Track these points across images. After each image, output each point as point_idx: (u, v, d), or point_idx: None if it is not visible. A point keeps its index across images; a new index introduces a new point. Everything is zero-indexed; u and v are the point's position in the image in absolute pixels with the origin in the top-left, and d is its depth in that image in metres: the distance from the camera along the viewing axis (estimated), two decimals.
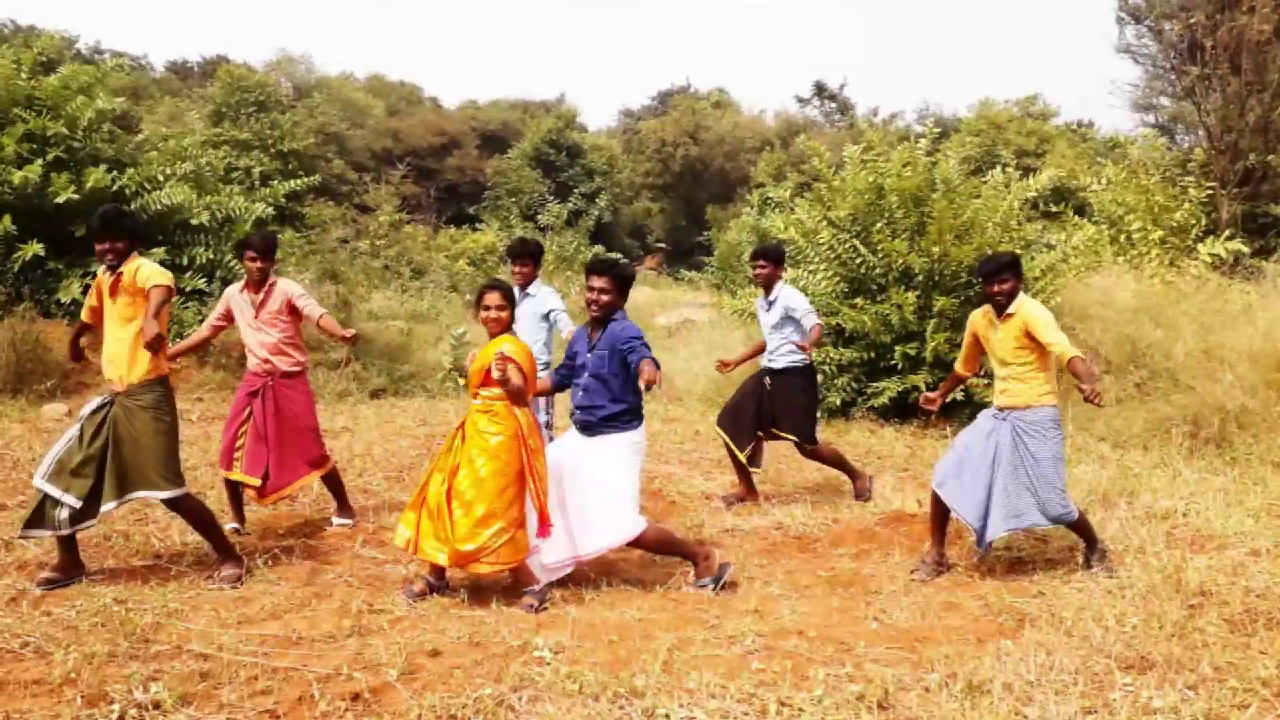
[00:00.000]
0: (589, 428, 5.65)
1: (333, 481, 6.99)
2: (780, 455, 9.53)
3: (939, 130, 12.51)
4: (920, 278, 11.05)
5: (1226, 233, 15.69)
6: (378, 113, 43.76)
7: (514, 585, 5.45)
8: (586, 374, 5.64)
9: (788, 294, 7.74)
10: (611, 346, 5.55)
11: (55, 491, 5.29)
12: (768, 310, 7.78)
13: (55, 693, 4.02)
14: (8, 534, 6.19)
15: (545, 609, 5.24)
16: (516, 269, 7.80)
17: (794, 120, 50.25)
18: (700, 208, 42.06)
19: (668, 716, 3.85)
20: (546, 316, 7.61)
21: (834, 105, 52.67)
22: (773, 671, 4.35)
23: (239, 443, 6.61)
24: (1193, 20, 19.24)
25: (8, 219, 11.62)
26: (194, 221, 12.38)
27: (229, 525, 6.54)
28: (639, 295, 23.31)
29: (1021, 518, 5.76)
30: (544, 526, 5.41)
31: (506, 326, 5.51)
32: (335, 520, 7.00)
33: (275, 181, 16.03)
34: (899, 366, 10.89)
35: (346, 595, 5.41)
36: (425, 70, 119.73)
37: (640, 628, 4.94)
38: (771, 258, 7.79)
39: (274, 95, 28.16)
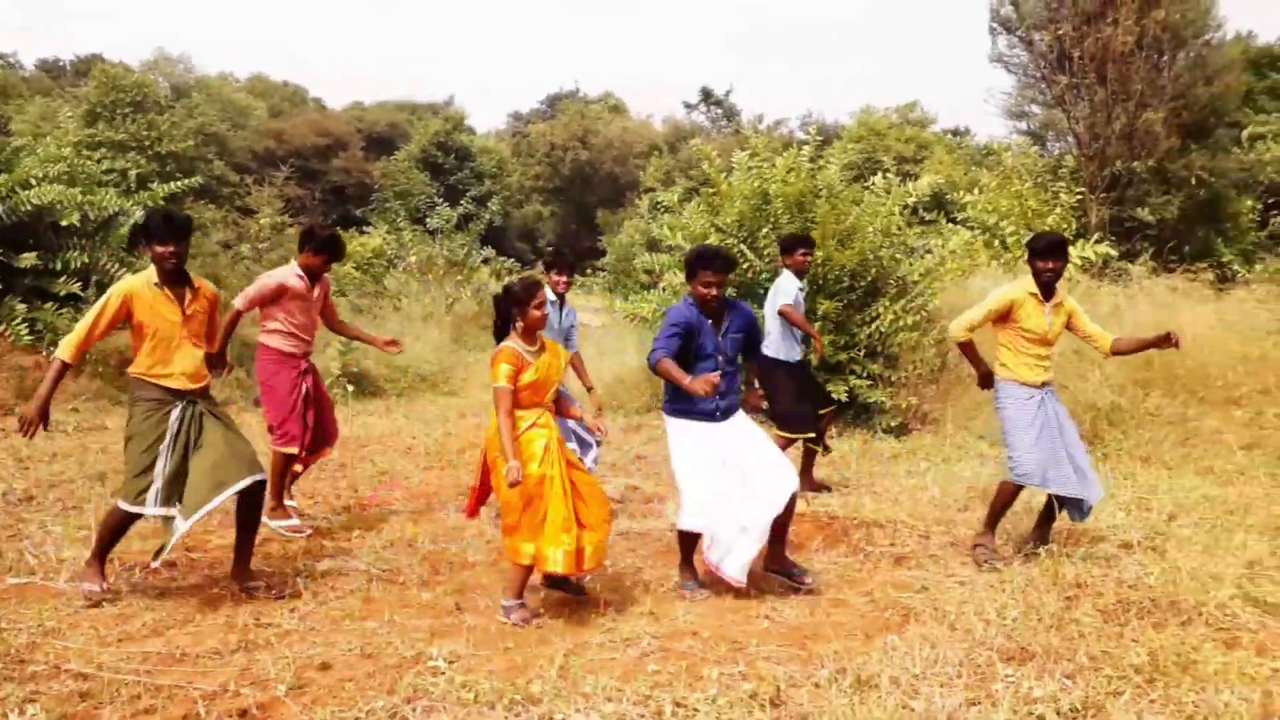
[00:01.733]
0: (729, 412, 5.71)
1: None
2: None
3: (821, 138, 12.74)
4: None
5: (1095, 236, 16.34)
6: (260, 113, 42.85)
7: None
8: (721, 361, 5.61)
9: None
10: (745, 329, 5.73)
11: (171, 511, 5.26)
12: (805, 298, 7.97)
13: None
14: None
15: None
16: (566, 278, 7.45)
17: (681, 126, 50.71)
18: (591, 211, 42.18)
19: None
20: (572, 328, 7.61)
21: (720, 111, 53.32)
22: (668, 672, 4.40)
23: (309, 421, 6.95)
24: (1061, 31, 20.00)
25: None
26: (64, 222, 11.91)
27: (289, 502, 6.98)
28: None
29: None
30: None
31: None
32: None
33: (154, 184, 15.52)
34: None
35: (232, 609, 5.28)
36: (309, 71, 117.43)
37: (536, 633, 4.94)
38: (810, 244, 8.13)
39: (151, 95, 27.31)
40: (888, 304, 10.97)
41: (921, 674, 4.30)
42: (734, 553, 5.49)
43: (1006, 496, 6.27)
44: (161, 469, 5.26)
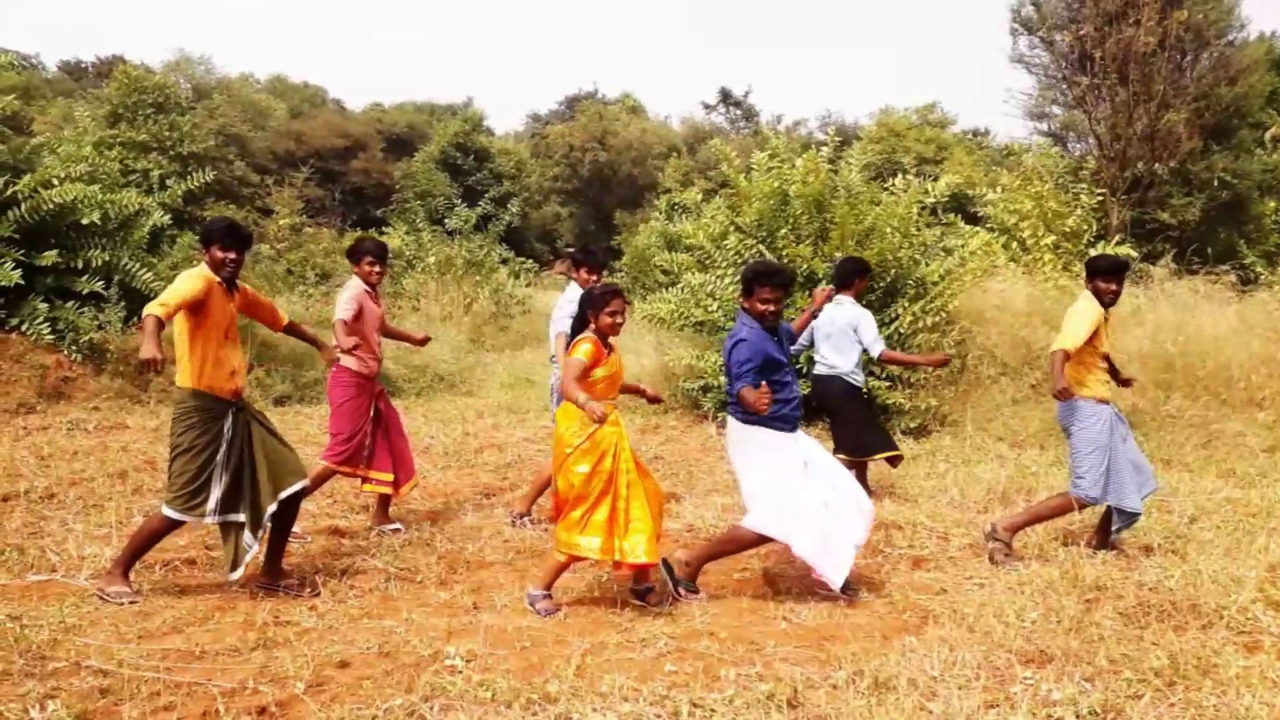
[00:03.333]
0: (798, 422, 5.71)
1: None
2: (690, 458, 9.60)
3: (840, 139, 12.71)
4: (823, 282, 11.21)
5: (1117, 238, 16.26)
6: (280, 114, 43.05)
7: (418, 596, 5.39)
8: (787, 371, 5.63)
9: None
10: (789, 340, 5.84)
11: (238, 517, 5.40)
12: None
13: None
14: None
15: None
16: (597, 278, 7.36)
17: (700, 127, 50.73)
18: (609, 213, 42.24)
19: None
20: None
21: (739, 112, 53.34)
22: (685, 673, 4.40)
23: (367, 441, 6.91)
24: (1082, 32, 19.93)
25: None
26: (85, 221, 11.96)
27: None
28: (550, 299, 23.22)
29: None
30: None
31: None
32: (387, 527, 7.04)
33: (172, 181, 15.57)
34: (802, 370, 11.04)
35: (251, 607, 5.30)
36: (329, 72, 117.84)
37: (553, 633, 4.95)
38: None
39: (172, 96, 27.43)
40: (907, 305, 10.94)
41: (939, 676, 4.29)
42: (832, 559, 5.40)
43: (1059, 510, 6.31)
44: (220, 479, 5.35)
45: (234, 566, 5.41)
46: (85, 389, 11.34)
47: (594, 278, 7.28)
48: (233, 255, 5.41)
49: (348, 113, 49.92)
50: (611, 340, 5.50)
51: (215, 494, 5.33)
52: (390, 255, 7.10)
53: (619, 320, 5.42)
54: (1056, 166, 19.62)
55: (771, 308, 5.50)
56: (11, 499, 7.29)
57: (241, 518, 5.40)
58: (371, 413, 6.92)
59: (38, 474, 8.06)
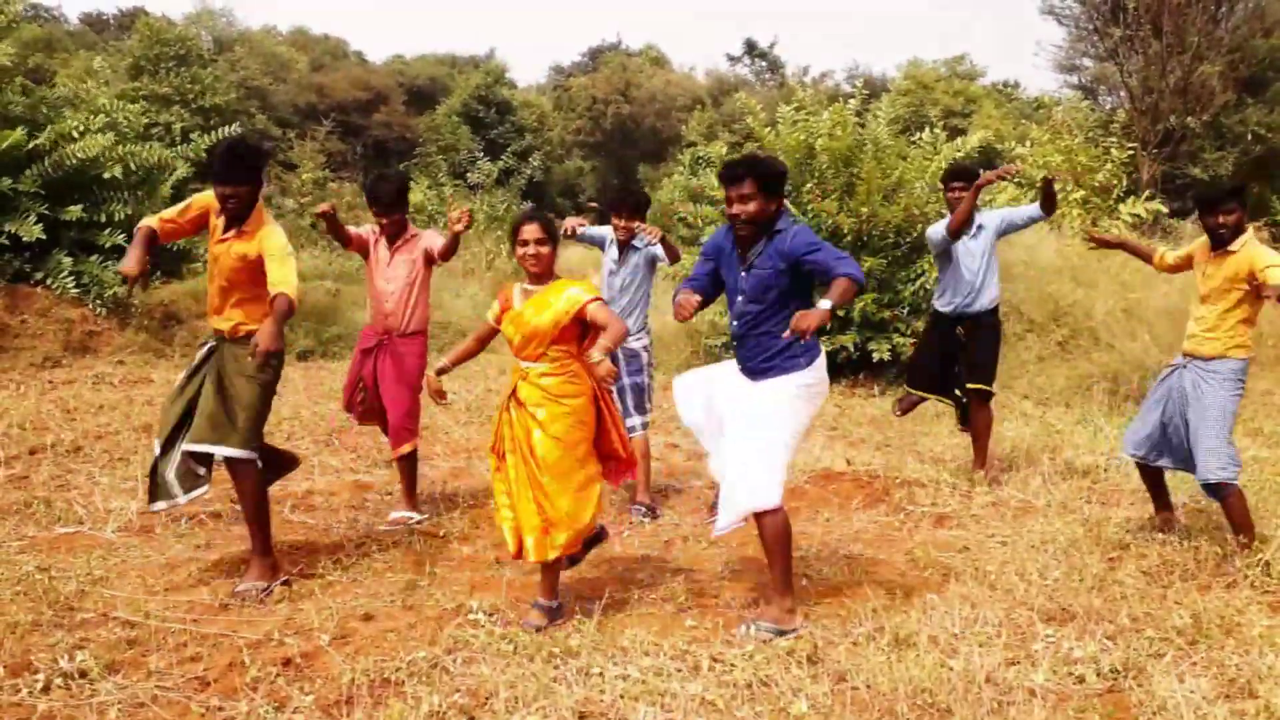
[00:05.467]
0: (752, 371, 4.59)
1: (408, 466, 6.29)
2: None
3: (868, 91, 12.56)
4: (849, 238, 11.13)
5: (1147, 193, 16.03)
6: (301, 67, 42.83)
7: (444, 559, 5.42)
8: (743, 301, 4.55)
9: (994, 213, 7.09)
10: (784, 259, 4.41)
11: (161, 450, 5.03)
12: (973, 237, 6.87)
13: None
14: None
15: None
16: (622, 224, 6.59)
17: (725, 78, 50.26)
18: (632, 166, 41.99)
19: (602, 674, 3.88)
20: (653, 264, 6.73)
21: (764, 64, 52.79)
22: (705, 628, 4.41)
23: (360, 397, 6.33)
24: None
25: None
26: (106, 175, 11.94)
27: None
28: (572, 255, 23.18)
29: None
30: (628, 470, 4.96)
31: (549, 268, 4.69)
32: (393, 514, 6.25)
33: (196, 135, 15.54)
34: (827, 327, 10.96)
35: (277, 560, 5.33)
36: (350, 24, 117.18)
37: (575, 588, 4.96)
38: (971, 178, 6.77)
39: (194, 49, 27.41)
40: (932, 261, 10.84)
41: (960, 633, 4.28)
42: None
43: (1140, 471, 5.85)
44: (171, 404, 5.07)
45: (151, 498, 5.10)
46: (110, 343, 11.42)
47: (621, 223, 6.61)
48: (226, 191, 4.86)
49: (369, 65, 49.63)
50: (556, 282, 4.63)
51: (163, 419, 5.10)
52: (374, 193, 6.20)
53: (528, 252, 4.59)
54: (1087, 120, 19.32)
55: (734, 208, 4.47)
56: (38, 452, 7.36)
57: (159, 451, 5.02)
58: (362, 368, 6.34)
59: (64, 427, 8.13)
